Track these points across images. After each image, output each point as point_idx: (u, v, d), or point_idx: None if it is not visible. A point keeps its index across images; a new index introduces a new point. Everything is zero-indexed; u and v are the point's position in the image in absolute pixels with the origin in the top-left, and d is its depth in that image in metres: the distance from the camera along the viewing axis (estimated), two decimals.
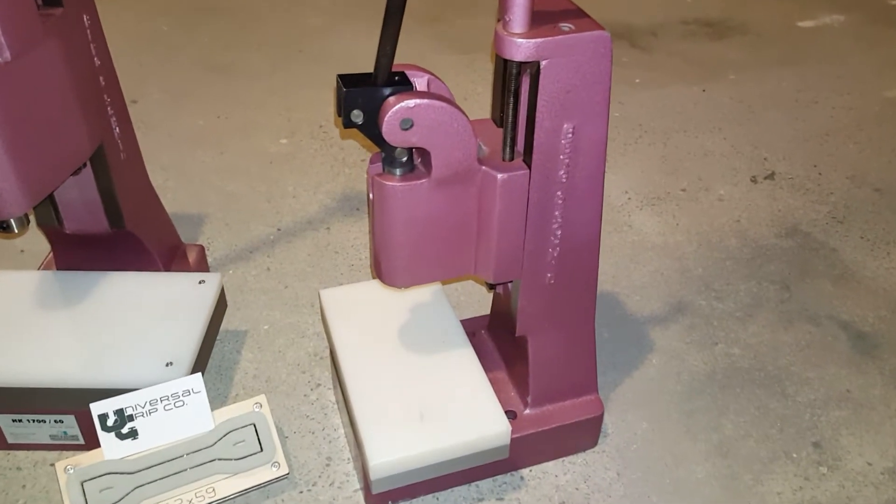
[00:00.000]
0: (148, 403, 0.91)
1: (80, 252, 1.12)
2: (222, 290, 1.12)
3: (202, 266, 1.28)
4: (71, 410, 0.96)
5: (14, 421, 0.97)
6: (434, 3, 2.33)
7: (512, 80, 0.76)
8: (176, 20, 2.20)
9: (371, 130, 0.77)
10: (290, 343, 1.20)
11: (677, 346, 1.21)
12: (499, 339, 1.07)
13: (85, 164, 1.01)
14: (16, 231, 0.92)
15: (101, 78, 1.01)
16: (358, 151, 1.66)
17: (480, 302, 1.28)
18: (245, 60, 2.02)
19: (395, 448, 0.87)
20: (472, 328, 1.09)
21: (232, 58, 2.03)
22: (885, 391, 1.14)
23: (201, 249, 1.29)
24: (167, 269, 1.19)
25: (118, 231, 1.09)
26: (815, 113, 1.83)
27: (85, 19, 0.97)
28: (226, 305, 1.16)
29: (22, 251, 1.36)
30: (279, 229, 1.45)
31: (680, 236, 1.44)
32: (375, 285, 1.09)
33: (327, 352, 1.19)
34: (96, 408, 0.89)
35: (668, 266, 1.37)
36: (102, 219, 1.07)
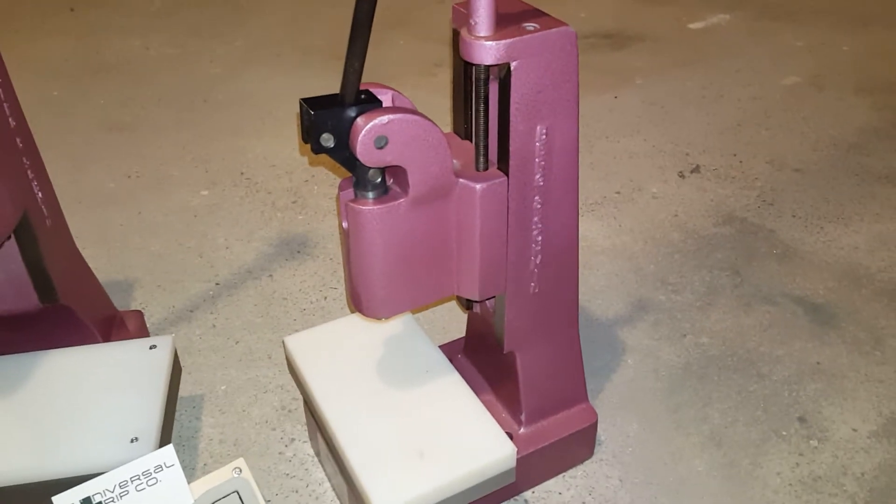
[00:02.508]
0: (117, 486, 0.81)
1: (8, 334, 1.01)
2: (176, 353, 1.03)
3: (143, 333, 1.18)
4: None
5: None
6: (338, 41, 2.30)
7: (481, 85, 0.74)
8: (66, 84, 2.07)
9: (342, 153, 0.72)
10: (253, 400, 1.12)
11: (648, 343, 1.20)
12: (479, 361, 1.03)
13: (9, 236, 0.91)
14: None
15: (17, 140, 0.92)
16: (287, 194, 1.60)
17: (445, 327, 1.24)
18: (147, 116, 1.92)
19: (401, 491, 0.81)
20: (448, 354, 1.05)
21: (132, 115, 1.93)
22: (851, 359, 1.17)
23: (140, 315, 1.19)
24: (106, 340, 1.09)
25: (49, 306, 0.99)
26: (724, 106, 1.91)
27: None
28: (181, 370, 1.07)
29: None
30: (218, 284, 1.36)
31: (625, 237, 1.45)
32: (342, 324, 1.03)
33: (295, 404, 1.11)
34: (60, 500, 0.79)
35: (620, 267, 1.37)
36: (31, 294, 0.97)
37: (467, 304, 0.95)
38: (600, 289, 1.32)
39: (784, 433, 1.05)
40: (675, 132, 1.81)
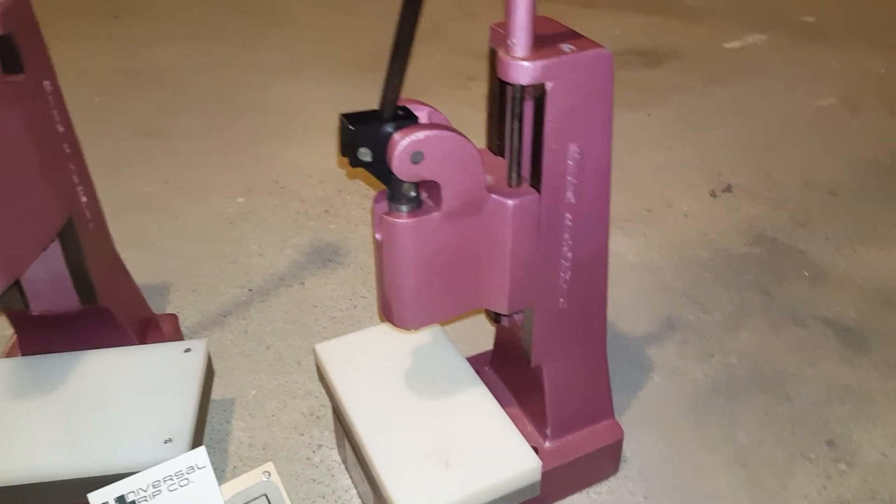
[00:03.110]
0: (151, 486, 0.83)
1: (47, 334, 1.04)
2: (209, 357, 1.05)
3: (177, 336, 1.21)
4: None
5: None
6: (373, 53, 2.33)
7: (517, 104, 0.75)
8: (106, 90, 2.12)
9: (378, 167, 0.74)
10: (283, 406, 1.14)
11: (675, 361, 1.20)
12: (506, 374, 1.04)
13: (53, 239, 0.94)
14: None
15: (65, 145, 0.95)
16: (320, 203, 1.63)
17: (471, 339, 1.25)
18: (183, 123, 1.97)
19: (426, 500, 0.83)
20: (475, 366, 1.06)
21: (169, 122, 1.97)
22: (882, 383, 1.16)
23: (174, 319, 1.22)
24: (142, 342, 1.12)
25: (89, 307, 1.02)
26: (757, 126, 1.90)
27: (46, 85, 0.91)
28: (213, 373, 1.09)
29: None
30: (250, 290, 1.39)
31: (654, 254, 1.45)
32: (372, 333, 1.04)
33: (323, 410, 1.13)
34: (95, 497, 0.81)
35: (648, 284, 1.37)
36: (72, 295, 1.00)
37: (495, 318, 0.96)
38: (628, 305, 1.32)
39: (812, 456, 1.04)
40: (707, 150, 1.80)
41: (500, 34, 0.77)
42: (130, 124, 1.95)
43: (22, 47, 0.86)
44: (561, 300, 0.87)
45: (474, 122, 1.76)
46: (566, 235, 0.83)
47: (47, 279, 0.99)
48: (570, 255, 0.84)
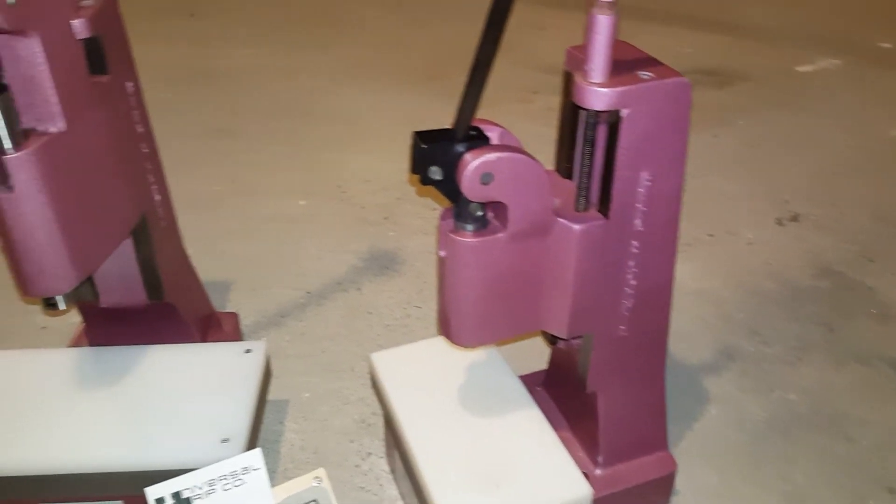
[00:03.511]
0: (206, 484, 0.85)
1: (114, 327, 1.07)
2: (268, 359, 1.07)
3: (237, 335, 1.23)
4: (119, 496, 0.90)
5: None
6: (433, 61, 2.35)
7: (590, 129, 0.75)
8: (179, 88, 2.19)
9: (448, 186, 0.75)
10: (335, 411, 1.15)
11: (733, 393, 1.18)
12: (559, 396, 1.04)
13: (126, 236, 0.97)
14: (63, 308, 0.88)
15: (143, 145, 0.98)
16: (380, 210, 1.64)
17: (524, 356, 1.24)
18: (251, 124, 2.01)
19: None
20: (528, 385, 1.05)
21: (238, 123, 2.02)
22: None
23: (235, 317, 1.24)
24: (203, 339, 1.15)
25: (155, 303, 1.05)
26: (827, 154, 1.85)
27: (129, 87, 0.94)
28: (271, 374, 1.11)
29: (43, 328, 1.30)
30: (308, 292, 1.41)
31: (716, 281, 1.42)
32: (427, 345, 1.05)
33: (374, 418, 1.14)
34: (152, 492, 0.83)
35: (709, 312, 1.35)
36: (141, 291, 1.03)
37: (551, 339, 0.95)
38: (687, 333, 1.30)
39: (871, 502, 1.01)
40: (774, 177, 1.76)
41: (577, 57, 0.77)
42: (201, 123, 2.01)
43: (108, 49, 0.89)
44: (622, 327, 0.87)
45: (536, 136, 1.75)
46: (632, 263, 0.82)
47: (118, 274, 1.02)
48: (634, 282, 0.83)
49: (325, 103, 2.12)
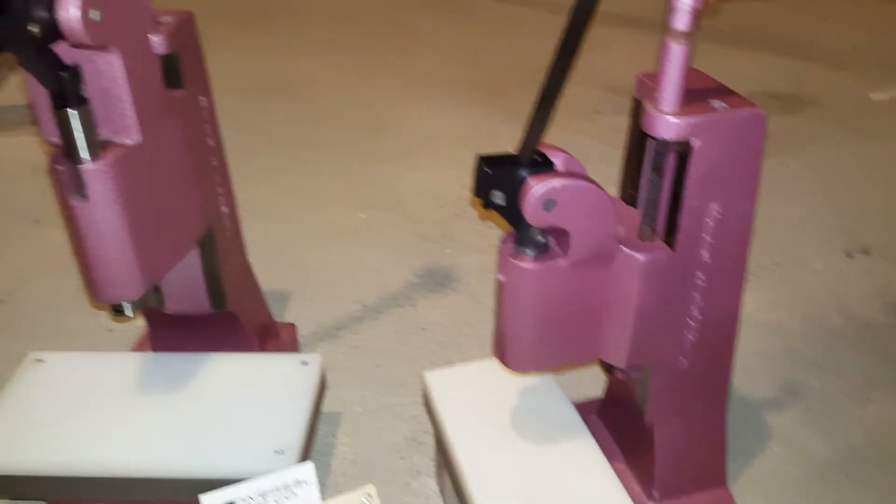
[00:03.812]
0: (258, 495, 0.86)
1: (177, 332, 1.10)
2: (324, 371, 1.08)
3: (293, 345, 1.25)
4: (173, 501, 0.92)
5: None
6: (497, 76, 2.35)
7: (658, 158, 0.74)
8: (246, 98, 2.24)
9: (510, 211, 0.74)
10: (386, 426, 1.16)
11: (796, 430, 1.14)
12: (614, 426, 1.02)
13: (193, 246, 1.00)
14: (130, 315, 0.90)
15: (213, 158, 1.01)
16: (437, 226, 1.65)
17: (578, 382, 1.23)
18: (315, 136, 2.04)
19: None
20: (583, 413, 1.04)
21: (301, 133, 2.05)
22: None
23: (292, 328, 1.26)
24: (262, 348, 1.16)
25: (218, 312, 1.07)
26: None
27: (202, 101, 0.97)
28: (326, 387, 1.12)
29: (109, 330, 1.34)
30: (364, 305, 1.42)
31: (781, 313, 1.38)
32: (481, 367, 1.04)
33: (425, 436, 1.14)
34: (207, 499, 0.85)
35: (773, 345, 1.31)
36: (204, 299, 1.06)
37: (609, 368, 0.94)
38: (749, 366, 1.26)
39: None
40: (845, 207, 1.70)
41: (647, 85, 0.76)
42: (268, 133, 2.05)
43: (184, 64, 0.92)
44: (683, 359, 0.84)
45: (598, 156, 1.73)
46: (696, 295, 0.80)
47: (183, 282, 1.04)
48: (698, 315, 0.81)
49: (389, 116, 2.14)
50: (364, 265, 1.53)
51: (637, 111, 0.79)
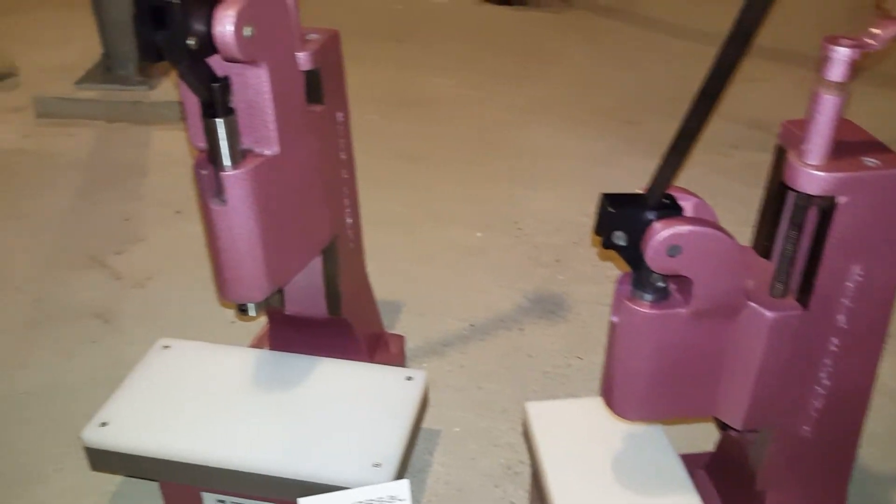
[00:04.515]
0: None
1: (294, 333, 1.14)
2: (426, 388, 1.09)
3: (401, 357, 1.27)
4: (274, 499, 0.95)
5: (219, 502, 0.98)
6: (629, 104, 2.31)
7: (799, 213, 0.69)
8: (378, 111, 2.30)
9: (632, 253, 0.72)
10: (483, 451, 1.15)
11: None
12: (722, 485, 0.96)
13: (318, 254, 1.03)
14: (254, 315, 0.94)
15: (343, 171, 1.04)
16: (552, 251, 1.63)
17: (687, 431, 1.17)
18: (438, 152, 2.07)
19: None
20: (689, 466, 0.99)
21: (426, 148, 2.09)
22: None
23: (402, 340, 1.28)
24: (371, 357, 1.19)
25: (333, 317, 1.10)
26: None
27: (339, 116, 1.00)
28: (427, 404, 1.13)
29: (232, 322, 1.41)
30: (472, 325, 1.42)
31: None
32: (585, 404, 1.02)
33: (521, 467, 1.12)
34: (305, 502, 0.87)
35: None
36: (322, 304, 1.09)
37: (723, 425, 0.89)
38: (877, 435, 1.16)
39: None
40: None
41: (794, 133, 0.72)
42: (395, 146, 2.10)
43: (325, 80, 0.95)
44: (806, 427, 0.79)
45: (730, 194, 1.65)
46: (828, 361, 0.75)
47: (303, 286, 1.08)
48: (827, 382, 0.76)
49: (513, 136, 2.14)
50: (476, 285, 1.53)
51: (779, 160, 0.75)
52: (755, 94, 2.30)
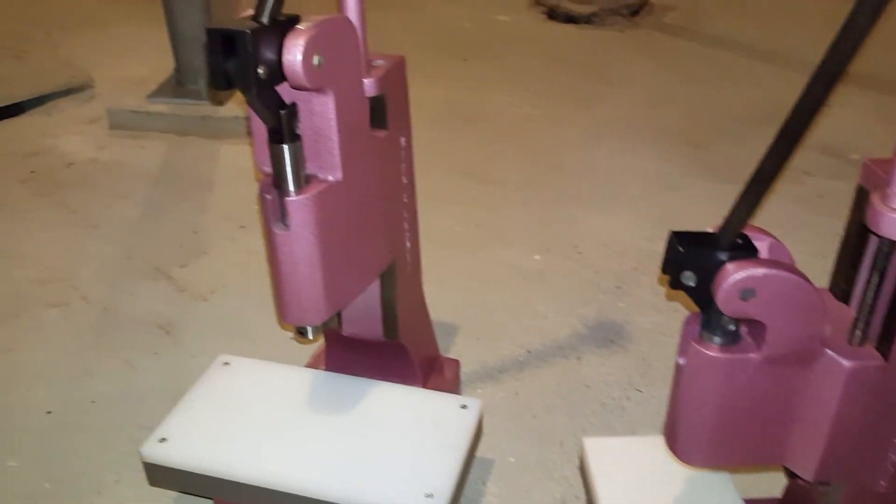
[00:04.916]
0: None
1: (350, 354, 1.14)
2: (481, 417, 1.07)
3: (455, 382, 1.26)
4: None
5: None
6: (697, 126, 2.25)
7: (881, 258, 0.66)
8: (442, 128, 2.30)
9: (701, 294, 0.69)
10: (536, 483, 1.13)
11: None
12: None
13: (376, 278, 1.03)
14: (311, 338, 0.94)
15: (404, 196, 1.04)
16: (613, 277, 1.60)
17: (753, 478, 1.13)
18: (501, 170, 2.06)
19: None
20: None
21: (489, 167, 2.08)
22: None
23: (457, 365, 1.27)
24: (425, 382, 1.18)
25: (389, 341, 1.10)
26: None
27: (402, 142, 1.00)
28: (482, 434, 1.11)
29: (292, 338, 1.42)
30: (529, 351, 1.40)
31: None
32: (645, 443, 0.99)
33: (576, 502, 1.09)
34: None
35: None
36: (378, 327, 1.09)
37: (793, 474, 0.85)
38: None
39: None
40: None
41: (876, 174, 0.68)
42: (456, 163, 2.10)
43: (389, 106, 0.95)
44: (882, 483, 0.75)
45: (802, 223, 1.58)
46: None
47: (361, 308, 1.08)
48: None
49: (575, 158, 2.11)
50: (534, 309, 1.51)
51: (860, 201, 0.71)
52: (827, 118, 2.22)
